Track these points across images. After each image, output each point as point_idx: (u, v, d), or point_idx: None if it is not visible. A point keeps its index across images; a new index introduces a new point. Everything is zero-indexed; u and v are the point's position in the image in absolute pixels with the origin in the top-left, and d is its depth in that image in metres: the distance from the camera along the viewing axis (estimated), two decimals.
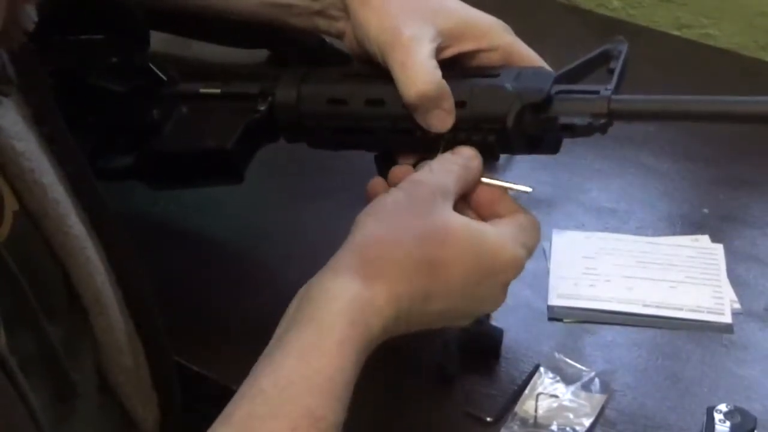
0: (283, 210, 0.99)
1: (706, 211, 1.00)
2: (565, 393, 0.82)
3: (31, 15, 0.60)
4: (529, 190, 0.74)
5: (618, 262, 0.94)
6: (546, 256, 0.94)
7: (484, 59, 0.77)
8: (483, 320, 0.84)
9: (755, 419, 0.76)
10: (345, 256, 0.67)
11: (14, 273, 0.62)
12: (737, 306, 0.90)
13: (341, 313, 0.64)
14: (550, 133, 0.74)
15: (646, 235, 0.97)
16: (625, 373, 0.84)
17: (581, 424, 0.79)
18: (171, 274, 0.90)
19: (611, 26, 1.29)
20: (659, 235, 0.97)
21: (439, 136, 0.74)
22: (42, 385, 0.64)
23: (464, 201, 0.72)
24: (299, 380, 0.62)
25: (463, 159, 0.72)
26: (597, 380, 0.82)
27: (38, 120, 0.69)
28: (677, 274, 0.92)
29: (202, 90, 0.83)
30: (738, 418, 0.76)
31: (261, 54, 0.92)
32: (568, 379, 0.83)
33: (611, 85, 0.72)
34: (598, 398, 0.81)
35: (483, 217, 0.72)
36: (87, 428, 0.70)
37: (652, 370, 0.84)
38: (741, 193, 1.02)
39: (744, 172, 1.05)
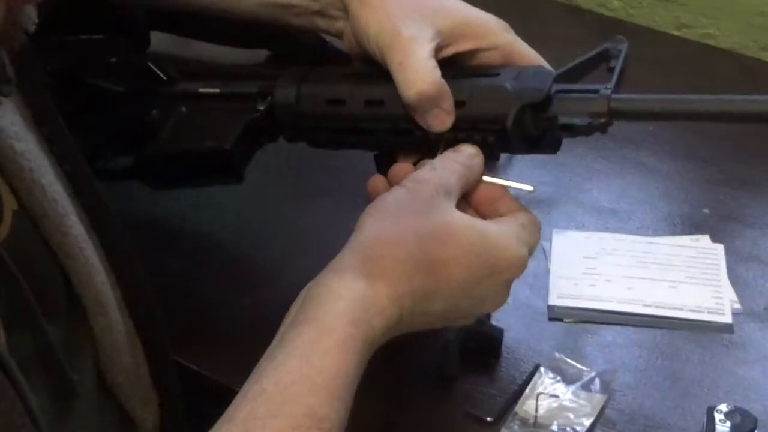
0: (283, 210, 0.99)
1: (706, 211, 1.00)
2: (565, 393, 0.82)
3: (31, 16, 0.60)
4: (530, 188, 0.74)
5: (618, 262, 0.94)
6: (546, 256, 0.94)
7: (484, 58, 0.77)
8: (483, 320, 0.84)
9: (755, 419, 0.76)
10: (348, 256, 0.67)
11: (13, 273, 0.62)
12: (737, 306, 0.90)
13: (344, 313, 0.64)
14: (549, 132, 0.74)
15: (647, 235, 0.97)
16: (625, 373, 0.84)
17: (581, 424, 0.79)
18: (171, 274, 0.90)
19: (611, 26, 1.29)
20: (659, 235, 0.97)
21: (439, 136, 0.74)
22: (41, 385, 0.64)
23: (465, 200, 0.72)
24: (301, 380, 0.62)
25: (464, 157, 0.72)
26: (597, 380, 0.82)
27: (37, 120, 0.69)
28: (677, 274, 0.92)
29: (201, 90, 0.83)
30: (738, 418, 0.76)
31: (261, 54, 0.92)
32: (568, 379, 0.82)
33: (611, 85, 0.71)
34: (599, 398, 0.81)
35: (483, 216, 0.72)
36: (86, 428, 0.70)
37: (653, 370, 0.84)
38: (741, 193, 1.02)
39: (744, 172, 1.05)
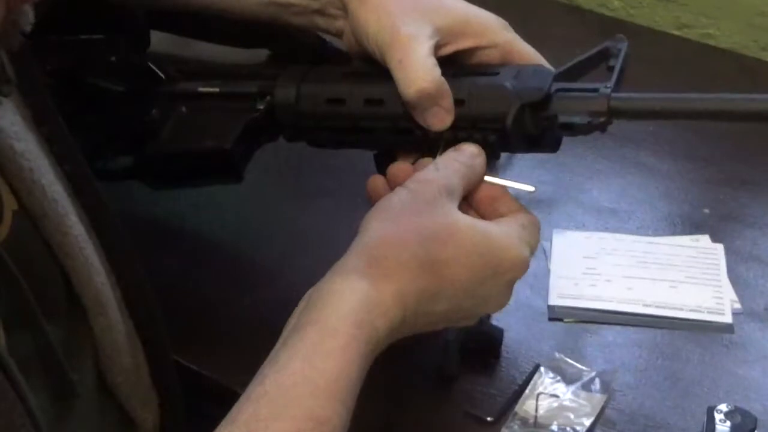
0: (282, 209, 0.99)
1: (706, 211, 1.00)
2: (565, 393, 0.82)
3: (28, 16, 0.60)
4: (531, 189, 0.74)
5: (618, 262, 0.93)
6: (546, 256, 0.94)
7: (483, 57, 0.77)
8: (483, 320, 0.84)
9: (756, 419, 0.76)
10: (352, 258, 0.67)
11: (13, 273, 0.62)
12: (737, 306, 0.90)
13: (347, 315, 0.64)
14: (549, 131, 0.74)
15: (647, 235, 0.97)
16: (625, 373, 0.84)
17: (581, 424, 0.79)
18: (171, 274, 0.90)
19: (611, 26, 1.29)
20: (659, 235, 0.97)
21: (439, 135, 0.74)
22: (41, 385, 0.64)
23: (465, 200, 0.72)
24: (303, 382, 0.62)
25: (466, 157, 0.72)
26: (597, 380, 0.82)
27: (37, 120, 0.69)
28: (677, 274, 0.92)
29: (201, 89, 0.83)
30: (738, 418, 0.76)
31: (261, 54, 0.92)
32: (568, 379, 0.82)
33: (611, 83, 0.71)
34: (599, 398, 0.81)
35: (483, 216, 0.72)
36: (86, 428, 0.70)
37: (653, 370, 0.84)
38: (741, 193, 1.02)
39: (744, 172, 1.05)
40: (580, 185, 1.03)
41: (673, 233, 0.97)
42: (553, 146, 0.76)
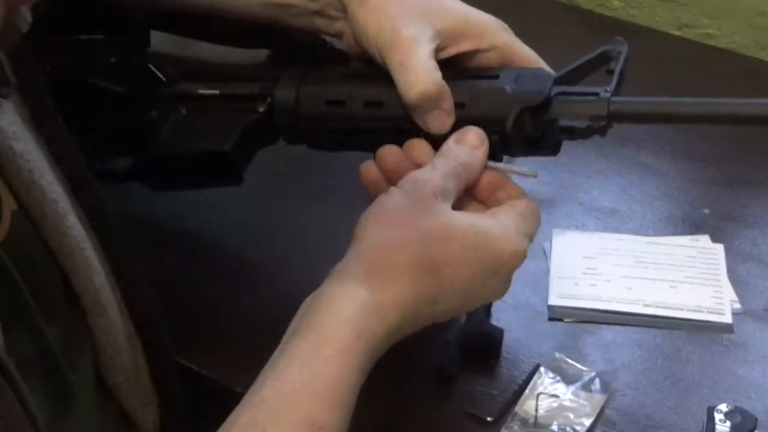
0: (282, 210, 0.99)
1: (706, 211, 1.00)
2: (565, 393, 0.82)
3: (26, 16, 0.60)
4: (534, 174, 0.74)
5: (618, 262, 0.93)
6: (546, 256, 0.94)
7: (483, 59, 0.77)
8: (483, 320, 0.84)
9: (756, 419, 0.76)
10: (350, 265, 0.67)
11: (12, 274, 0.62)
12: (737, 306, 0.90)
13: (345, 323, 0.64)
14: (549, 135, 0.74)
15: (647, 235, 0.97)
16: (625, 373, 0.84)
17: (581, 424, 0.79)
18: (171, 274, 0.90)
19: (611, 26, 1.29)
20: (659, 235, 0.97)
21: (439, 138, 0.74)
22: (39, 385, 0.64)
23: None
24: (301, 387, 0.63)
25: (465, 153, 0.72)
26: (597, 380, 0.82)
27: (37, 120, 0.69)
28: (677, 274, 0.92)
29: (201, 91, 0.83)
30: (738, 418, 0.76)
31: (261, 54, 0.91)
32: (568, 379, 0.82)
33: (611, 87, 0.71)
34: (599, 398, 0.81)
35: (483, 202, 0.72)
36: (85, 428, 0.70)
37: (653, 370, 0.84)
38: (741, 193, 1.02)
39: (744, 172, 1.04)
40: (580, 185, 1.03)
41: (673, 233, 0.97)
42: (553, 149, 0.76)
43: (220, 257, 0.94)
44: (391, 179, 0.72)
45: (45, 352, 0.65)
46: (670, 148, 1.07)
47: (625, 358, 0.85)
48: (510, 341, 0.85)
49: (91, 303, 0.70)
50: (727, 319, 0.89)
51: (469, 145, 0.72)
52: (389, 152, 0.73)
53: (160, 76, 0.84)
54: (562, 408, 0.80)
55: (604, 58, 0.75)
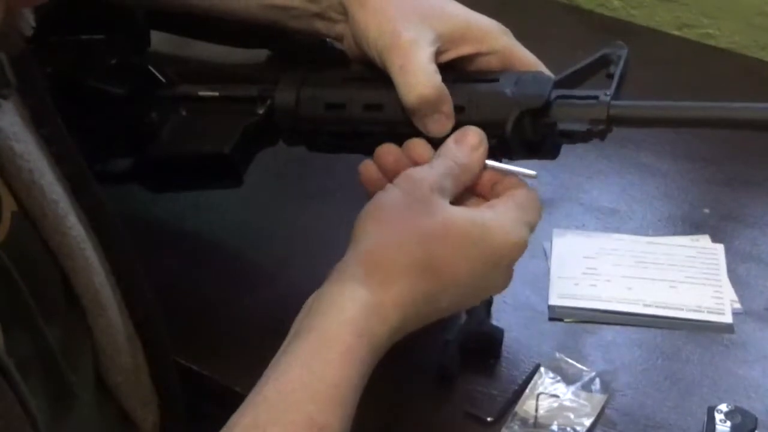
0: (282, 210, 0.99)
1: (706, 211, 1.00)
2: (565, 393, 0.81)
3: (29, 19, 0.60)
4: (533, 173, 0.73)
5: (618, 262, 0.93)
6: (546, 256, 0.94)
7: (483, 63, 0.77)
8: (483, 320, 0.84)
9: (756, 419, 0.76)
10: (349, 265, 0.67)
11: (12, 274, 0.62)
12: (738, 306, 0.90)
13: (346, 323, 0.65)
14: (549, 138, 0.74)
15: (647, 235, 0.97)
16: (625, 373, 0.84)
17: (582, 424, 0.79)
18: (171, 275, 0.90)
19: (611, 26, 1.29)
20: (659, 235, 0.97)
21: (439, 141, 0.74)
22: (39, 386, 0.64)
23: None
24: (302, 388, 0.63)
25: (464, 154, 0.72)
26: (597, 380, 0.82)
27: (37, 121, 0.69)
28: (677, 274, 0.92)
29: (201, 93, 0.83)
30: (739, 418, 0.76)
31: (261, 54, 0.92)
32: (568, 379, 0.82)
33: (610, 91, 0.71)
34: (599, 398, 0.81)
35: (482, 196, 0.72)
36: (85, 428, 0.70)
37: (653, 370, 0.84)
38: (741, 193, 1.02)
39: (744, 172, 1.04)
40: (580, 185, 1.03)
41: (673, 233, 0.97)
42: (553, 153, 0.76)
43: (220, 258, 0.94)
44: (390, 178, 0.72)
45: (45, 353, 0.65)
46: (670, 148, 1.07)
47: (626, 358, 0.85)
48: (510, 341, 0.85)
49: (91, 303, 0.70)
50: (728, 319, 0.88)
51: (469, 145, 0.72)
52: (388, 151, 0.73)
53: (160, 77, 0.84)
54: (562, 408, 0.80)
55: (604, 62, 0.75)
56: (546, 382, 0.82)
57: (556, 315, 0.89)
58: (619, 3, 1.33)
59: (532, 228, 0.71)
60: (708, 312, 0.89)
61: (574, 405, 0.81)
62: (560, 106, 0.73)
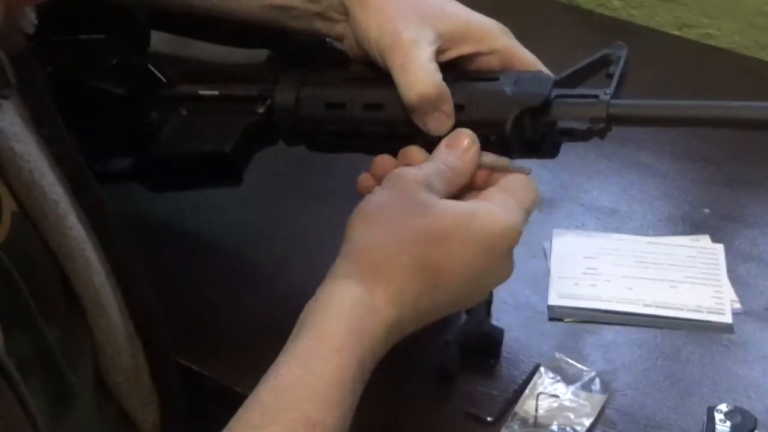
0: (282, 211, 0.99)
1: (706, 211, 1.00)
2: (565, 393, 0.82)
3: (30, 18, 0.60)
4: (527, 170, 0.73)
5: (618, 262, 0.93)
6: (546, 256, 0.94)
7: (484, 63, 0.77)
8: (483, 320, 0.84)
9: (756, 419, 0.76)
10: (341, 265, 0.68)
11: (12, 275, 0.62)
12: (738, 306, 0.90)
13: (340, 321, 0.65)
14: (549, 137, 0.74)
15: (647, 235, 0.97)
16: (625, 373, 0.84)
17: (581, 424, 0.79)
18: (171, 275, 0.90)
19: (611, 26, 1.29)
20: (659, 235, 0.97)
21: (439, 140, 0.74)
22: (39, 386, 0.64)
23: None
24: (296, 386, 0.63)
25: (455, 157, 0.72)
26: (597, 380, 0.82)
27: (37, 121, 0.69)
28: (677, 274, 0.92)
29: (201, 92, 0.83)
30: (738, 418, 0.76)
31: (261, 54, 0.92)
32: (568, 379, 0.82)
33: (610, 90, 0.71)
34: (599, 398, 0.81)
35: (476, 187, 0.72)
36: (85, 429, 0.70)
37: (653, 370, 0.84)
38: (741, 193, 1.02)
39: (744, 172, 1.04)
40: (580, 185, 1.03)
41: (673, 233, 0.97)
42: (553, 152, 0.76)
43: (220, 258, 0.94)
44: None
45: (45, 353, 0.65)
46: (670, 148, 1.07)
47: (625, 358, 0.85)
48: (510, 341, 0.85)
49: (92, 303, 0.70)
50: (727, 319, 0.89)
51: (460, 149, 0.72)
52: (384, 162, 0.74)
53: (160, 77, 0.84)
54: (562, 408, 0.80)
55: (604, 62, 0.75)
56: (546, 382, 0.82)
57: (556, 315, 0.89)
58: (619, 3, 1.33)
59: (527, 211, 0.71)
60: (708, 312, 0.89)
61: (574, 405, 0.81)
62: (560, 104, 0.73)
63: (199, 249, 0.95)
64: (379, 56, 0.74)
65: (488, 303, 0.84)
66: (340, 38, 0.81)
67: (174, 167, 0.84)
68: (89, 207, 0.72)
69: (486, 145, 0.73)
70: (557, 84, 0.74)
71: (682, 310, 0.89)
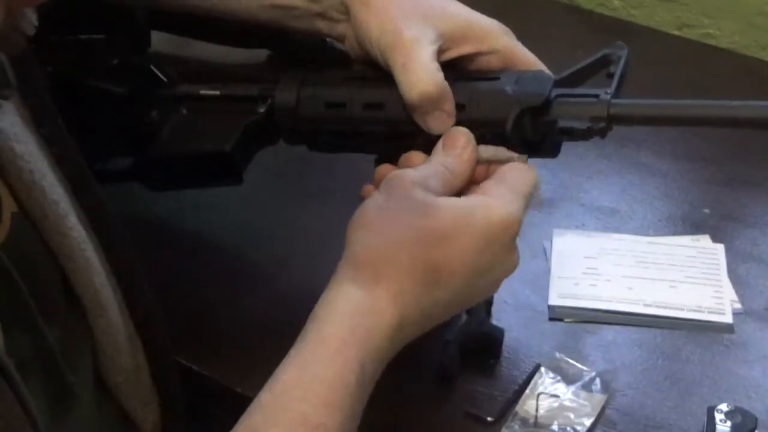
0: (282, 210, 0.99)
1: (706, 211, 1.00)
2: (565, 393, 0.82)
3: (31, 19, 0.60)
4: (524, 157, 0.73)
5: (618, 262, 0.93)
6: (546, 256, 0.94)
7: (484, 62, 0.77)
8: (483, 320, 0.84)
9: (756, 419, 0.76)
10: (344, 270, 0.68)
11: (12, 275, 0.62)
12: (738, 306, 0.90)
13: (341, 322, 0.65)
14: (549, 136, 0.74)
15: (647, 235, 0.97)
16: (625, 373, 0.84)
17: (582, 424, 0.79)
18: (171, 275, 0.90)
19: (612, 26, 1.29)
20: (659, 235, 0.97)
21: (439, 139, 0.74)
22: (39, 386, 0.64)
23: None
24: (295, 388, 0.63)
25: (452, 158, 0.72)
26: (597, 380, 0.82)
27: (37, 121, 0.69)
28: (678, 274, 0.92)
29: (201, 92, 0.83)
30: (739, 418, 0.76)
31: (261, 54, 0.92)
32: (568, 379, 0.82)
33: (611, 89, 0.72)
34: (599, 398, 0.81)
35: (476, 181, 0.72)
36: (85, 429, 0.70)
37: (653, 370, 0.84)
38: (741, 193, 1.02)
39: (744, 172, 1.04)
40: (580, 185, 1.03)
41: (673, 233, 0.97)
42: (553, 151, 0.76)
43: (220, 258, 0.94)
44: None
45: (45, 353, 0.65)
46: (670, 148, 1.07)
47: (626, 358, 0.85)
48: (510, 341, 0.85)
49: (92, 303, 0.70)
50: (728, 319, 0.89)
51: (457, 150, 0.72)
52: (385, 170, 0.74)
53: (161, 76, 0.84)
54: (562, 408, 0.81)
55: (605, 62, 0.75)
56: (546, 382, 0.82)
57: (556, 315, 0.89)
58: (619, 3, 1.33)
59: (526, 197, 0.71)
60: (708, 312, 0.89)
61: (574, 405, 0.81)
62: (560, 104, 0.73)
63: (199, 249, 0.95)
64: (381, 55, 0.74)
65: (488, 303, 0.84)
66: (341, 38, 0.81)
67: (174, 167, 0.84)
68: (89, 207, 0.72)
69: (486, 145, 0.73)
70: (558, 84, 0.74)
71: (683, 310, 0.89)
